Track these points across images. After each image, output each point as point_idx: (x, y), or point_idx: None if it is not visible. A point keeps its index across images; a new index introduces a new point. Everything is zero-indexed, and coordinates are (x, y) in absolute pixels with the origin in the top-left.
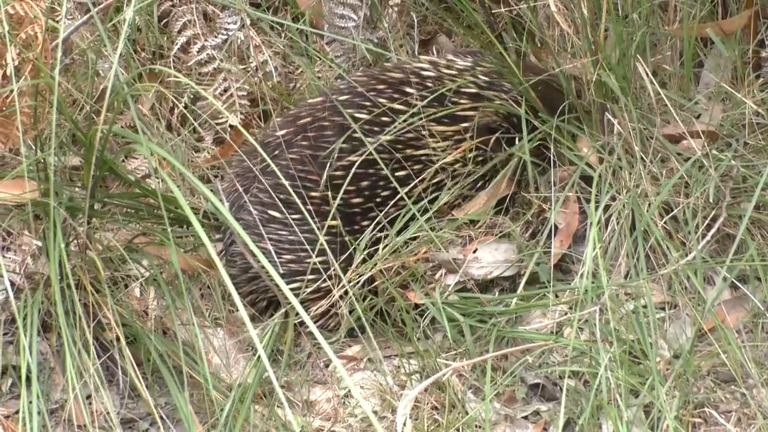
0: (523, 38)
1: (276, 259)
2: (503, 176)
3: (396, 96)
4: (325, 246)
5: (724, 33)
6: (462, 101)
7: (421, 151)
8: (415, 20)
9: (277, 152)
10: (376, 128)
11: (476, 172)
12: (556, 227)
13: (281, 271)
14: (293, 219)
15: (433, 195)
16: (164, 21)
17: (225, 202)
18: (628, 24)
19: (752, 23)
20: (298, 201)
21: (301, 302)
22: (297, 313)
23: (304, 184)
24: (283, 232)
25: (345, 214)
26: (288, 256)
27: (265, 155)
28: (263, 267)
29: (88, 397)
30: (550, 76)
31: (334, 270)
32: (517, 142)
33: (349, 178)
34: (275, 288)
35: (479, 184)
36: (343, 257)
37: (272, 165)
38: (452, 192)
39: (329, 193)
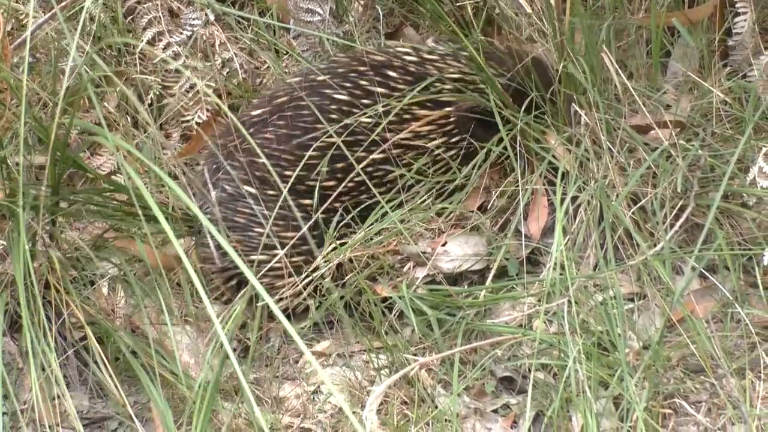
0: (489, 29)
1: (248, 233)
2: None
3: (377, 79)
4: (300, 222)
5: (690, 22)
6: (446, 86)
7: (402, 135)
8: (381, 13)
9: (252, 130)
10: (355, 110)
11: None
12: (525, 219)
13: (253, 244)
14: (268, 195)
15: (413, 182)
16: (129, 18)
17: (207, 179)
18: (595, 14)
19: (719, 12)
20: (276, 178)
21: (270, 283)
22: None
23: (279, 163)
24: (258, 207)
25: (319, 196)
26: (260, 230)
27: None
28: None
29: (58, 397)
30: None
31: (305, 248)
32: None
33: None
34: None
35: (465, 172)
36: (314, 237)
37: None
38: (433, 180)
39: (304, 173)
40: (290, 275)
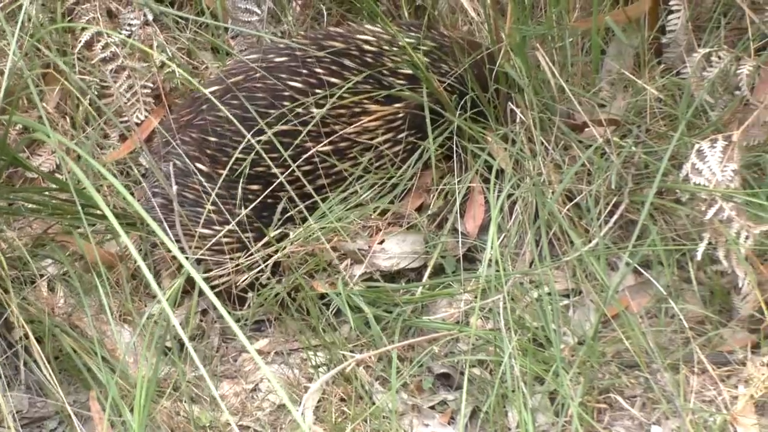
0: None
1: (197, 208)
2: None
3: (333, 68)
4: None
5: (629, 19)
6: (398, 81)
7: (350, 129)
8: (325, 12)
9: (205, 107)
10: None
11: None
12: (462, 217)
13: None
14: (218, 174)
15: (356, 176)
16: (68, 18)
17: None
18: (532, 14)
19: (652, 9)
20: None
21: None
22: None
23: (229, 144)
24: (208, 185)
25: (266, 182)
26: (209, 206)
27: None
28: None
29: None
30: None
31: (251, 231)
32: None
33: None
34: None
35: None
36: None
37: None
38: (376, 176)
39: (255, 158)
40: (237, 251)
